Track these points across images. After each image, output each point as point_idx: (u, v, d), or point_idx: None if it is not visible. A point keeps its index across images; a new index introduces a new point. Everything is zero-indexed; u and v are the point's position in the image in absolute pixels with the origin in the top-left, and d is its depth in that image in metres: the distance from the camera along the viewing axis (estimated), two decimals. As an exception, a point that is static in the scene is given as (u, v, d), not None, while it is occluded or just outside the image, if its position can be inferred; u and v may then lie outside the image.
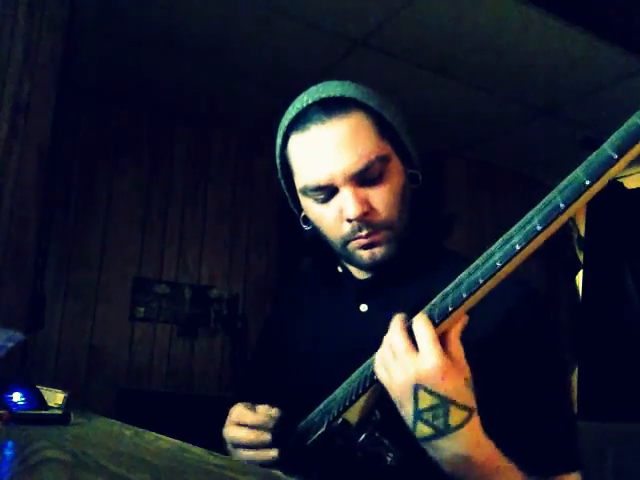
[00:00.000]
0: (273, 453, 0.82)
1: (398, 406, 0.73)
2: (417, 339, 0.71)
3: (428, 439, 0.71)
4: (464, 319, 0.72)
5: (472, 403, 0.71)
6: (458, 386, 0.70)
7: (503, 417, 0.74)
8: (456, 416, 0.69)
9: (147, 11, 2.64)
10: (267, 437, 0.83)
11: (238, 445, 0.86)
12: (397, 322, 0.74)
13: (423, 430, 0.70)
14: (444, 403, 0.69)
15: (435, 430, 0.70)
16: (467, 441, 0.70)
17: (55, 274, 3.20)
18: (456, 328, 0.71)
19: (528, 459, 0.74)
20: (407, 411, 0.71)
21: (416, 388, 0.70)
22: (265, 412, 0.84)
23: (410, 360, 0.70)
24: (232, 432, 0.87)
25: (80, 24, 2.46)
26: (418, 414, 0.70)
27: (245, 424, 0.85)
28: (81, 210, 3.39)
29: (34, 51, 1.94)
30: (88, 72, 3.14)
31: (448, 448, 0.70)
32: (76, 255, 3.34)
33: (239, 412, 0.87)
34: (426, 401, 0.70)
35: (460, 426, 0.69)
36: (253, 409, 0.86)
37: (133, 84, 3.37)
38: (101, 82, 3.33)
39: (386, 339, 0.74)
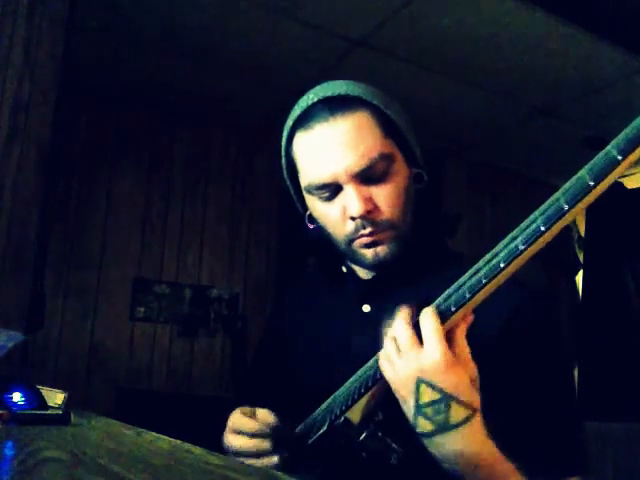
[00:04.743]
0: (274, 460, 0.82)
1: (401, 401, 0.72)
2: (423, 333, 0.70)
3: (428, 435, 0.70)
4: (469, 318, 0.72)
5: (476, 403, 0.70)
6: (461, 383, 0.69)
7: (505, 419, 0.73)
8: (457, 413, 0.69)
9: (147, 11, 2.64)
10: (266, 445, 0.82)
11: (238, 454, 0.85)
12: (403, 315, 0.73)
13: (424, 425, 0.70)
14: (445, 398, 0.68)
15: (435, 426, 0.69)
16: (468, 441, 0.69)
17: (55, 274, 3.20)
18: (461, 327, 0.71)
19: (528, 461, 0.73)
20: (409, 406, 0.71)
21: (418, 382, 0.69)
22: (263, 419, 0.83)
23: (414, 354, 0.70)
24: (231, 440, 0.85)
25: (80, 24, 2.46)
26: (419, 408, 0.70)
27: (243, 432, 0.84)
28: (81, 210, 3.39)
29: (34, 51, 1.94)
30: (88, 72, 3.14)
31: (448, 446, 0.69)
32: (76, 255, 3.34)
33: (236, 419, 0.86)
34: (427, 395, 0.69)
35: (461, 424, 0.69)
36: (252, 413, 0.85)
37: (133, 84, 3.37)
38: (101, 82, 3.33)
39: (391, 332, 0.74)
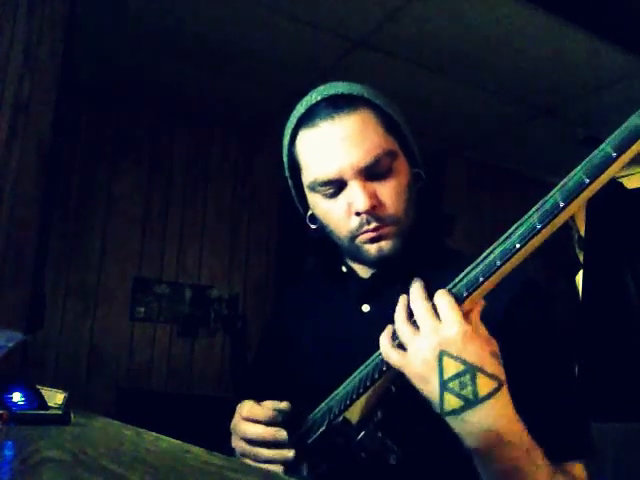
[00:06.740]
0: (290, 454, 0.82)
1: (420, 384, 0.70)
2: (439, 309, 0.70)
3: (456, 412, 0.68)
4: (481, 303, 0.71)
5: (501, 375, 0.69)
6: (483, 354, 0.68)
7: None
8: (484, 385, 0.67)
9: (147, 11, 2.64)
10: (283, 434, 0.82)
11: (253, 442, 0.85)
12: (418, 292, 0.72)
13: (451, 402, 0.68)
14: (470, 369, 0.67)
15: (463, 401, 0.67)
16: (497, 414, 0.67)
17: (55, 274, 3.20)
18: (475, 311, 0.71)
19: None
20: (432, 385, 0.69)
21: (441, 355, 0.68)
22: (275, 406, 0.84)
23: (434, 328, 0.69)
24: (244, 428, 0.86)
25: (80, 24, 2.46)
26: (444, 384, 0.68)
27: (258, 420, 0.84)
28: (81, 210, 3.39)
29: (34, 51, 1.94)
30: (88, 72, 3.14)
31: (477, 422, 0.67)
32: (76, 255, 3.34)
33: (250, 408, 0.86)
34: (451, 368, 0.67)
35: (489, 396, 0.67)
36: (261, 405, 0.86)
37: (133, 84, 3.37)
38: (101, 82, 3.33)
39: (400, 316, 0.73)
